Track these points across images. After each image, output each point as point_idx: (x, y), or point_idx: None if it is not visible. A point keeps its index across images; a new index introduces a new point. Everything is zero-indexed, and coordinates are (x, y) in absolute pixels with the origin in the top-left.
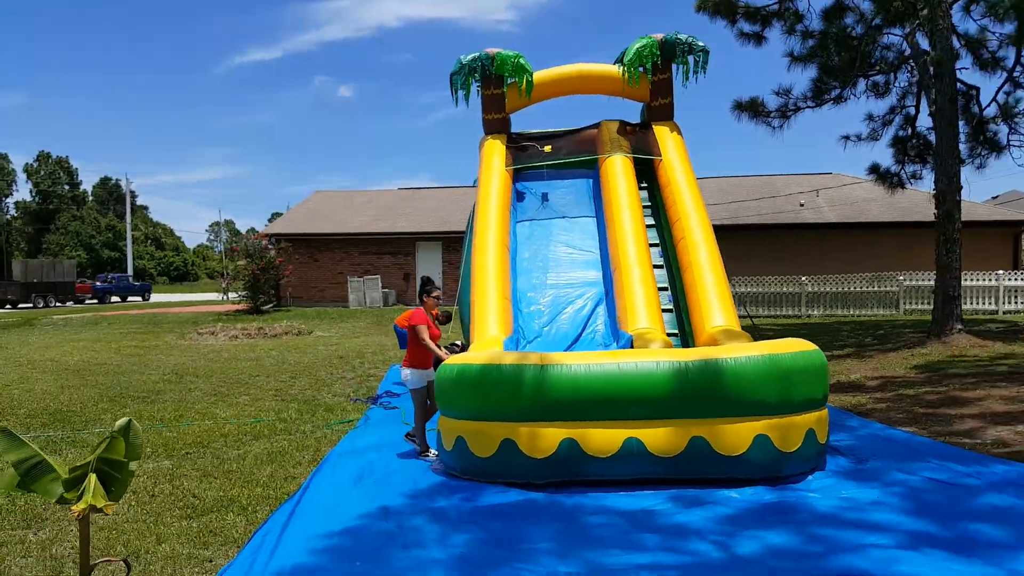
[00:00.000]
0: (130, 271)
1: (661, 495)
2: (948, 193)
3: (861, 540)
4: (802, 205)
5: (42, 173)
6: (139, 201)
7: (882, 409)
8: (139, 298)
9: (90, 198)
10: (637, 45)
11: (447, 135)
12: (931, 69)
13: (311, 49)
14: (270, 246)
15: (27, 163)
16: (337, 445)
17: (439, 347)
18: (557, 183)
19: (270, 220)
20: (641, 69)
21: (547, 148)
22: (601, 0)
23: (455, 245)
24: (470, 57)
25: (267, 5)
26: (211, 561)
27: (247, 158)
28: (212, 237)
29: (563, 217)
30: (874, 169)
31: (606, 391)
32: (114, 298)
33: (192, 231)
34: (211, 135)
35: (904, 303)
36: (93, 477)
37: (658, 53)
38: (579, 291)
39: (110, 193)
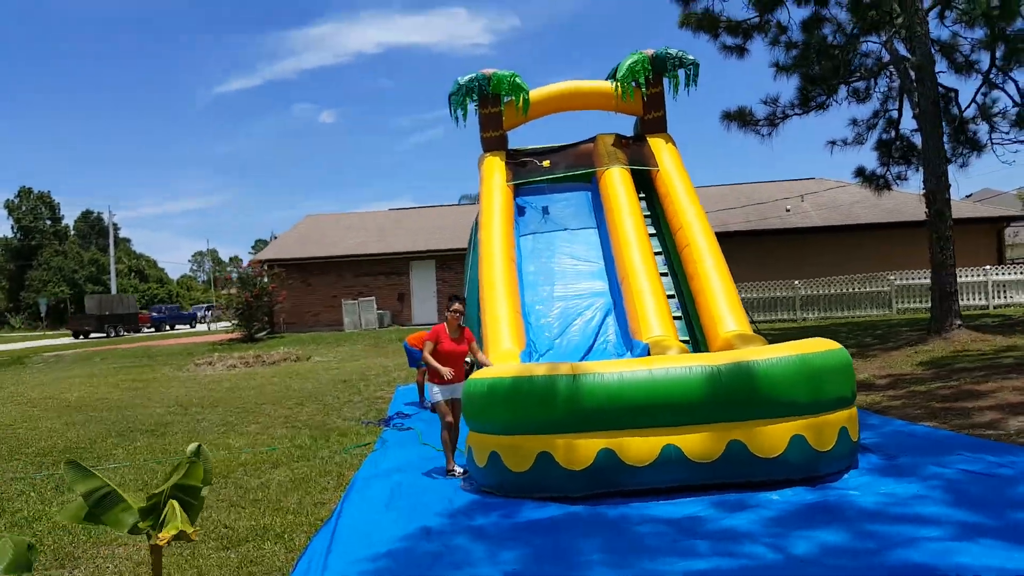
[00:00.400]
0: None
1: (703, 501)
2: (937, 192)
3: (913, 534)
4: (788, 210)
5: (23, 209)
6: (121, 233)
7: (898, 406)
8: (187, 326)
9: (72, 232)
10: (629, 61)
11: (427, 157)
12: (912, 74)
13: (291, 77)
14: (263, 272)
15: (8, 199)
16: (360, 469)
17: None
18: (556, 197)
19: (253, 247)
20: (634, 84)
21: (545, 163)
22: (576, 21)
23: (449, 263)
24: (467, 78)
25: (247, 34)
26: None
27: (228, 187)
28: (195, 267)
29: (565, 229)
30: (860, 172)
31: (641, 398)
32: (167, 326)
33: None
34: (193, 165)
35: (896, 302)
36: (175, 504)
37: (650, 68)
38: (587, 302)
39: (92, 227)
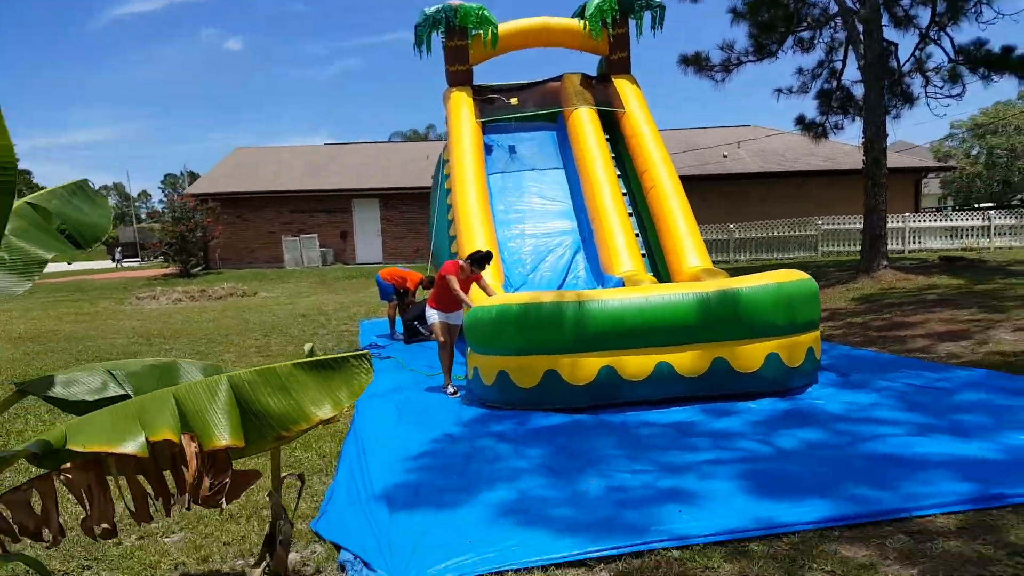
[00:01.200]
0: None
1: (691, 410)
2: (876, 141)
3: (877, 432)
4: (725, 156)
5: None
6: (20, 165)
7: (839, 335)
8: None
9: None
10: (597, 0)
11: (349, 90)
12: (860, 26)
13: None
14: (197, 206)
15: None
16: None
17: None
18: (523, 135)
19: (163, 182)
20: (601, 23)
21: (513, 101)
22: None
23: (393, 202)
24: (434, 9)
25: None
26: (309, 488)
27: (131, 118)
28: None
29: (532, 169)
30: (800, 120)
31: (639, 322)
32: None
33: None
34: (91, 94)
35: (822, 246)
36: None
37: (616, 8)
38: (557, 240)
39: None
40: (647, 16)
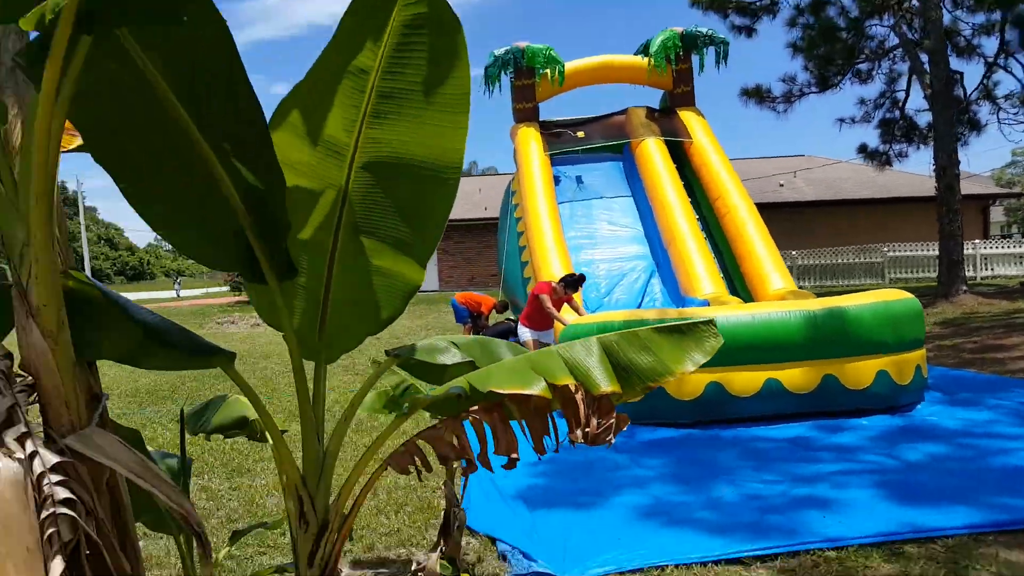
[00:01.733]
0: (88, 272)
1: (803, 425)
2: (948, 168)
3: (1002, 446)
4: (782, 185)
5: None
6: (87, 202)
7: (933, 358)
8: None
9: None
10: (661, 37)
11: None
12: (924, 57)
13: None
14: None
15: None
16: None
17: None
18: (590, 166)
19: None
20: (665, 59)
21: (580, 134)
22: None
23: (449, 232)
24: (503, 50)
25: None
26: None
27: None
28: (158, 237)
29: (601, 197)
30: (863, 149)
31: (746, 339)
32: None
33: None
34: None
35: (888, 272)
36: None
37: (680, 44)
38: (630, 264)
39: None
40: (711, 51)
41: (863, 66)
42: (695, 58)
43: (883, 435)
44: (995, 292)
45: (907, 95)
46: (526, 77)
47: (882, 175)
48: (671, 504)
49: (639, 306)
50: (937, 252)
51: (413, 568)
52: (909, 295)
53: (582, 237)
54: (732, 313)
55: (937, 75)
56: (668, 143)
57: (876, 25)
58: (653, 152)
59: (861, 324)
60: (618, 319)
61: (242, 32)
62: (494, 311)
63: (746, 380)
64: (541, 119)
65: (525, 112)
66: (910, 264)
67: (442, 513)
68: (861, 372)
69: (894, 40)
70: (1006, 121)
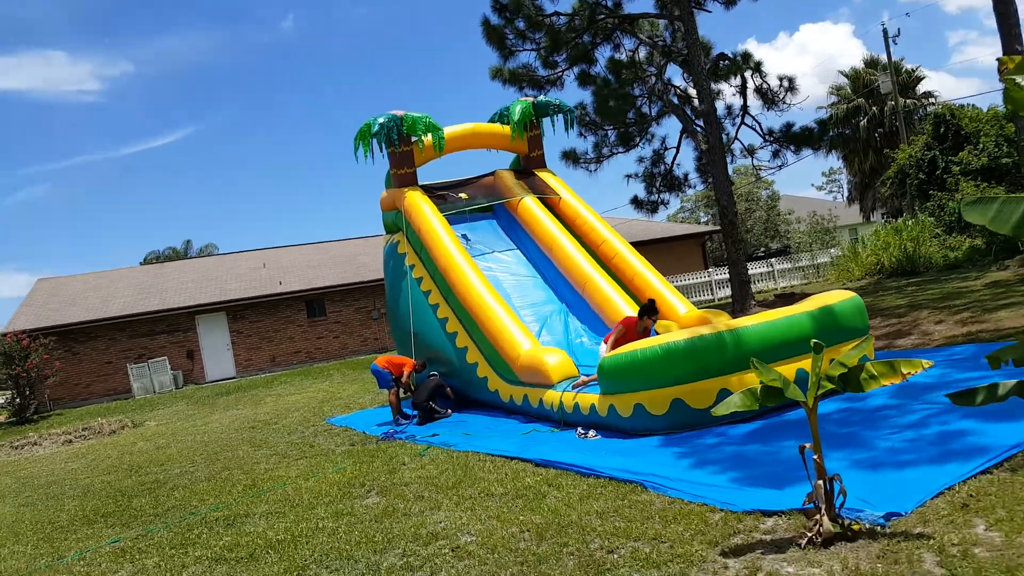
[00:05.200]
0: None
1: (829, 404)
2: (728, 208)
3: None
4: None
5: None
6: None
7: None
8: None
9: None
10: (519, 107)
11: (39, 217)
12: (700, 120)
13: None
14: (30, 344)
15: None
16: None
17: None
18: (468, 226)
19: None
20: (522, 127)
21: (463, 195)
22: (191, 70)
23: (242, 312)
24: (383, 119)
25: None
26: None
27: None
28: None
29: (492, 252)
30: (634, 200)
31: (779, 338)
32: None
33: None
34: None
35: None
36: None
37: (532, 113)
38: (545, 309)
39: None
40: (560, 119)
41: (632, 130)
42: (548, 124)
43: (902, 394)
44: (774, 300)
45: (677, 151)
46: (404, 144)
47: (642, 224)
48: (874, 457)
49: (569, 345)
50: (703, 279)
51: (813, 526)
52: (854, 294)
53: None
54: (758, 320)
55: (712, 132)
56: (541, 200)
57: (640, 96)
58: (534, 209)
59: (844, 316)
60: (679, 337)
61: None
62: (414, 371)
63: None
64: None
65: (404, 177)
66: (688, 291)
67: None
68: (847, 356)
69: (653, 108)
70: (761, 167)
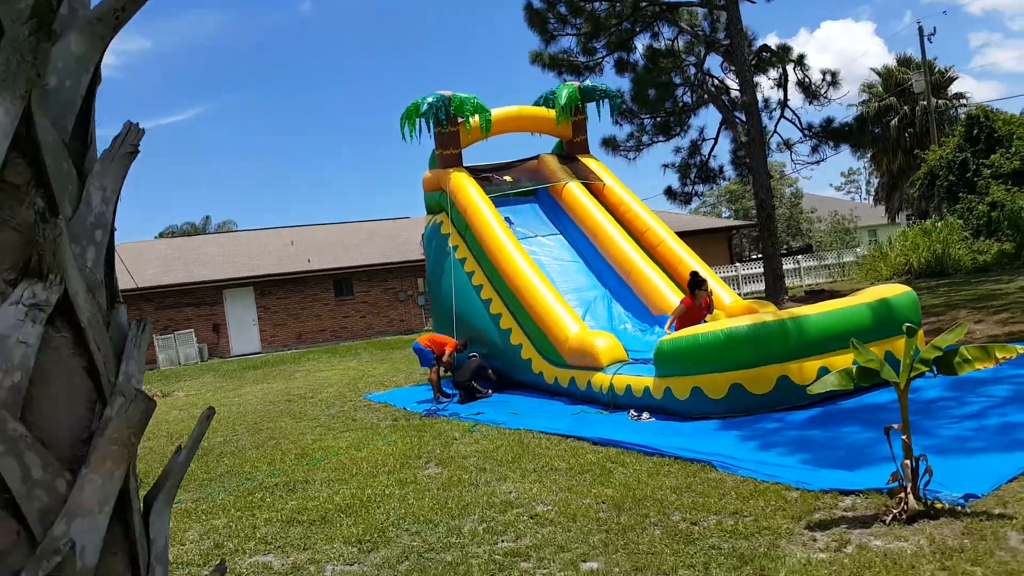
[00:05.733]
0: None
1: (883, 394)
2: (766, 201)
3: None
4: None
5: None
6: None
7: None
8: None
9: None
10: (565, 91)
11: None
12: (742, 112)
13: None
14: None
15: None
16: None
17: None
18: (510, 209)
19: None
20: (569, 111)
21: (507, 178)
22: (212, 43)
23: (271, 288)
24: (431, 98)
25: None
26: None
27: None
28: None
29: (535, 236)
30: (667, 190)
31: (840, 328)
32: None
33: None
34: None
35: None
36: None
37: (578, 98)
38: (590, 294)
39: None
40: (606, 104)
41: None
42: (592, 109)
43: (954, 387)
44: (805, 296)
45: (715, 143)
46: (451, 124)
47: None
48: (940, 444)
49: (613, 330)
50: (731, 274)
51: (897, 504)
52: (908, 288)
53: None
54: (820, 309)
55: (753, 124)
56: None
57: (680, 86)
58: (579, 194)
59: (900, 309)
60: (741, 323)
61: None
62: (455, 351)
63: (843, 362)
64: (464, 165)
65: (450, 158)
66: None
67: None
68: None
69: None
70: (799, 162)
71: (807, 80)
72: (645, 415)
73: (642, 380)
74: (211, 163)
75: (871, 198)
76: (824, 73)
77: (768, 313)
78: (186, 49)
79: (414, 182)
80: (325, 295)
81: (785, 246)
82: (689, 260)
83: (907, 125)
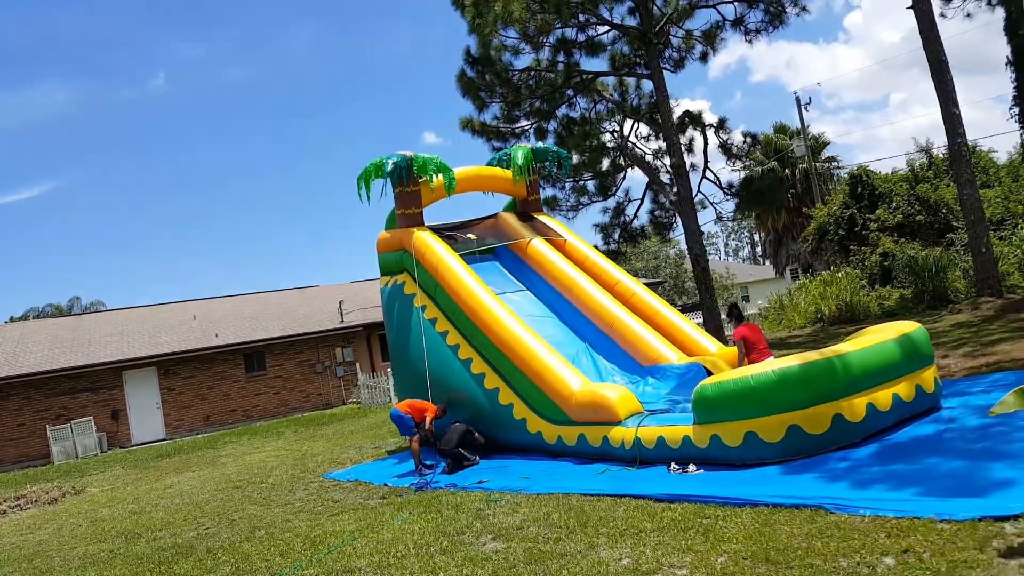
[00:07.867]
0: None
1: (926, 426)
2: (701, 256)
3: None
4: None
5: None
6: None
7: None
8: None
9: None
10: (521, 152)
11: None
12: (669, 173)
13: None
14: None
15: None
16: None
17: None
18: (477, 267)
19: None
20: (525, 171)
21: (472, 236)
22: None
23: (174, 367)
24: (395, 158)
25: None
26: None
27: None
28: None
29: (503, 293)
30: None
31: (876, 364)
32: None
33: None
34: None
35: None
36: None
37: (532, 158)
38: (570, 348)
39: None
40: (558, 164)
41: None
42: (540, 170)
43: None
44: None
45: (640, 203)
46: (412, 185)
47: None
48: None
49: (601, 379)
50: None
51: None
52: (918, 325)
53: None
54: (859, 346)
55: (683, 184)
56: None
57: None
58: (545, 250)
59: (923, 343)
60: (792, 362)
61: None
62: (436, 417)
63: (884, 397)
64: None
65: (412, 218)
66: None
67: None
68: (928, 380)
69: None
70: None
71: (728, 142)
72: (692, 467)
73: (678, 430)
74: (65, 241)
75: (750, 256)
76: (745, 136)
77: (815, 352)
78: (30, 125)
79: (308, 253)
80: (235, 371)
81: (680, 304)
82: (664, 311)
83: (789, 187)
